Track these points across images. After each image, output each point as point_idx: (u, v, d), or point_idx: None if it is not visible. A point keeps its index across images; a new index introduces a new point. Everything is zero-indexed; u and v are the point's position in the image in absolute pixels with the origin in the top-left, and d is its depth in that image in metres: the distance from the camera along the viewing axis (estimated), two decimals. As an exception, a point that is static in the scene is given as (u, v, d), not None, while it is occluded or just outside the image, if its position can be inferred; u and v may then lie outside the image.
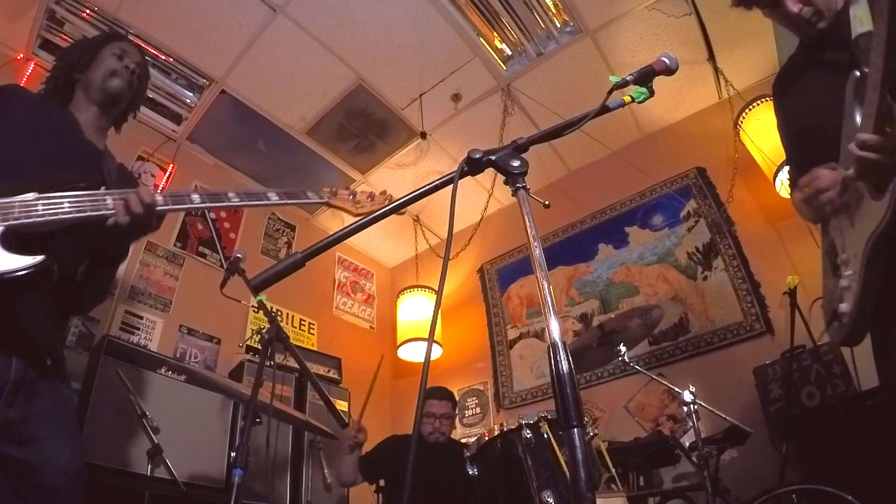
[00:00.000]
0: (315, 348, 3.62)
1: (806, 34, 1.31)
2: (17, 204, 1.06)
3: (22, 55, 2.84)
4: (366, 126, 3.57)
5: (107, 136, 1.52)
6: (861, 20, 1.12)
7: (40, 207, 1.07)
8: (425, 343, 3.64)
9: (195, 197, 1.28)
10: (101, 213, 1.13)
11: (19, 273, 1.00)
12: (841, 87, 1.10)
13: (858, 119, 1.01)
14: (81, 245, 1.26)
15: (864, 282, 1.04)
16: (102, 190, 1.19)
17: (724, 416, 2.08)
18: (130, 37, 2.79)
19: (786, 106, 1.42)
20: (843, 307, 1.12)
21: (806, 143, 1.35)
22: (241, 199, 1.33)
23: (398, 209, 0.97)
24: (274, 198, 1.37)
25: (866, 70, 0.96)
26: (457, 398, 3.69)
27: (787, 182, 1.51)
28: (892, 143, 0.94)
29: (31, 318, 1.12)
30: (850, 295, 1.09)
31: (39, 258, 1.02)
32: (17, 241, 1.03)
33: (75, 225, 1.12)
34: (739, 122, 2.93)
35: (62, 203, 1.09)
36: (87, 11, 2.78)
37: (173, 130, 3.41)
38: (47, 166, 1.21)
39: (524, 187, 0.89)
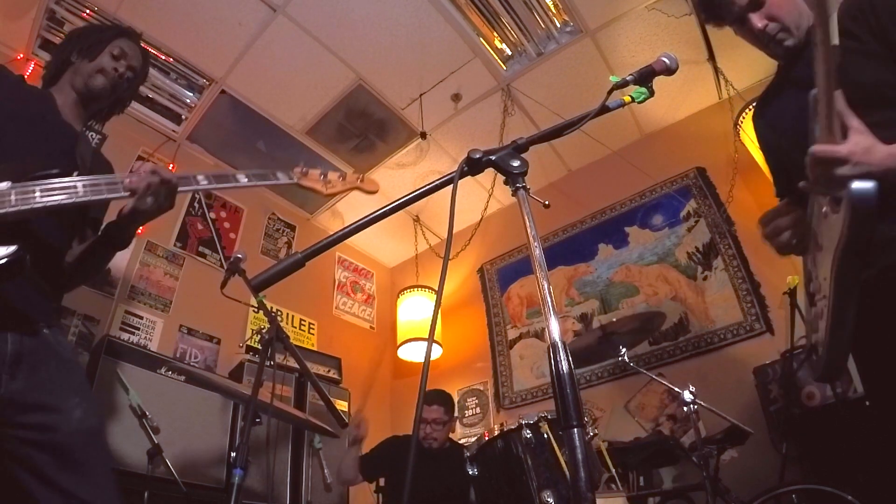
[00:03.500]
0: (315, 348, 3.62)
1: (773, 52, 1.26)
2: None
3: (22, 55, 2.84)
4: (366, 126, 3.57)
5: (84, 122, 1.52)
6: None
7: (13, 198, 1.08)
8: (425, 343, 3.64)
9: None
10: (73, 200, 1.15)
11: None
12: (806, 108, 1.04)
13: (817, 134, 0.96)
14: (65, 225, 1.28)
15: (834, 305, 0.95)
16: (74, 176, 1.20)
17: (724, 416, 2.08)
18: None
19: (763, 135, 1.37)
20: (816, 337, 1.03)
21: (783, 172, 1.30)
22: (210, 181, 1.34)
23: (398, 209, 0.97)
24: (243, 180, 1.38)
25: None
26: (456, 398, 3.70)
27: None
28: (843, 152, 0.88)
29: (19, 295, 1.13)
30: (823, 322, 0.99)
31: (12, 249, 1.04)
32: None
33: (53, 209, 1.14)
34: (739, 122, 2.92)
35: (34, 192, 1.10)
36: (87, 11, 2.78)
37: (173, 130, 3.41)
38: (21, 149, 1.22)
39: (524, 187, 0.89)
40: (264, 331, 1.81)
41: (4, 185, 1.09)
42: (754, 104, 1.41)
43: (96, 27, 1.58)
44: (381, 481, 2.94)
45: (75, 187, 1.16)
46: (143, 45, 1.60)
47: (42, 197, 1.11)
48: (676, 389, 2.06)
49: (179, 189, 1.28)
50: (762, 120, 1.36)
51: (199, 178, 1.32)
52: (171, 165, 3.36)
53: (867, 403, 1.82)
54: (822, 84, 0.85)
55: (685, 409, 1.99)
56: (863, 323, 0.96)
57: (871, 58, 1.07)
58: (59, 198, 1.13)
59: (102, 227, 1.36)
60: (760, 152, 1.43)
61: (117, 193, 1.21)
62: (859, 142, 0.88)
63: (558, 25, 3.04)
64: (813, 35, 0.83)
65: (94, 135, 1.55)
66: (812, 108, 0.97)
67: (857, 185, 0.84)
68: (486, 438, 1.97)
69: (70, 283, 1.39)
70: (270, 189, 3.96)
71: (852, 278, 0.92)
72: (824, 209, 0.97)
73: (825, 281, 0.97)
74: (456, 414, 3.05)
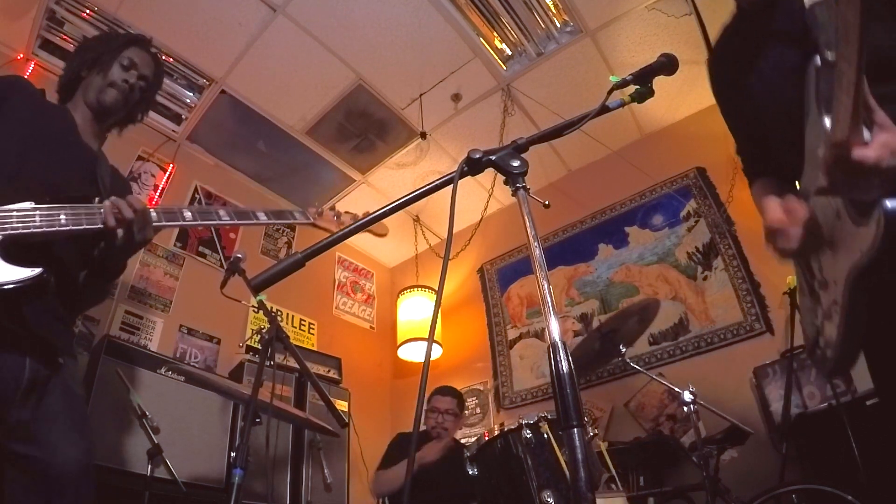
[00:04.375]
0: (315, 348, 3.62)
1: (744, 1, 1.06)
2: (14, 213, 1.08)
3: (22, 55, 2.84)
4: (366, 126, 3.57)
5: (102, 139, 1.52)
6: None
7: (38, 218, 1.09)
8: (425, 343, 3.64)
9: (187, 213, 1.34)
10: (98, 226, 1.16)
11: (15, 285, 1.03)
12: (798, 68, 0.88)
13: (828, 123, 0.80)
14: (83, 251, 1.28)
15: (848, 315, 0.88)
16: (97, 202, 1.21)
17: (724, 415, 2.08)
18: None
19: (728, 97, 1.19)
20: (824, 340, 0.98)
21: (759, 143, 1.16)
22: (231, 217, 1.39)
23: (398, 209, 0.97)
24: (262, 217, 1.43)
25: (829, 57, 0.75)
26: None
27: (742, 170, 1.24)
28: (872, 157, 0.72)
29: (41, 320, 1.14)
30: (832, 326, 0.93)
31: (37, 271, 1.05)
32: (16, 249, 1.06)
33: (76, 235, 1.15)
34: (739, 122, 2.92)
35: (59, 215, 1.11)
36: (87, 11, 2.78)
37: (173, 130, 3.41)
38: (44, 169, 1.22)
39: (524, 187, 0.89)
40: (264, 331, 1.81)
41: (28, 204, 1.09)
42: (713, 52, 1.19)
43: (104, 37, 1.57)
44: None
45: (101, 212, 1.17)
46: (153, 50, 1.59)
47: (67, 220, 1.12)
48: (676, 389, 2.06)
49: (207, 223, 1.32)
50: (729, 84, 1.17)
51: (221, 213, 1.37)
52: (171, 165, 3.36)
53: (867, 403, 1.83)
54: (849, 72, 0.69)
55: (685, 409, 1.99)
56: (876, 322, 0.90)
57: (875, 19, 0.90)
58: (84, 223, 1.14)
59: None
60: (722, 113, 1.24)
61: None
62: (888, 142, 0.74)
63: (558, 25, 3.04)
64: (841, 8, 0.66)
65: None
66: (814, 81, 0.84)
67: (892, 203, 0.74)
68: (486, 438, 1.97)
69: (81, 307, 1.41)
70: (270, 189, 3.96)
71: (867, 287, 0.85)
72: (838, 210, 0.87)
73: (836, 285, 0.90)
74: (465, 412, 3.04)
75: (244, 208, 1.46)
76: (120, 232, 1.18)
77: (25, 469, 1.07)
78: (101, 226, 1.15)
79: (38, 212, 1.09)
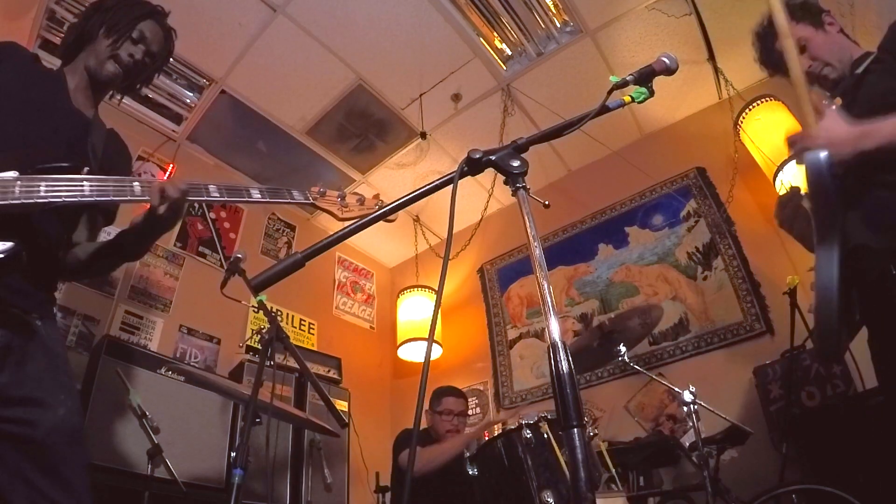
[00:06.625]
0: (315, 348, 3.62)
1: (823, 87, 1.44)
2: None
3: (22, 55, 2.84)
4: (366, 126, 3.57)
5: (97, 104, 1.47)
6: None
7: (17, 190, 1.05)
8: (425, 343, 3.64)
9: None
10: (77, 200, 1.12)
11: None
12: None
13: None
14: (64, 219, 1.26)
15: (818, 293, 1.05)
16: (85, 172, 1.16)
17: (724, 416, 2.08)
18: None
19: None
20: (812, 305, 1.15)
21: None
22: (221, 193, 1.30)
23: (398, 209, 0.97)
24: (256, 195, 1.32)
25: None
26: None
27: None
28: (806, 131, 1.16)
29: (13, 288, 1.11)
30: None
31: (8, 245, 1.02)
32: None
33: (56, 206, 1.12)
34: (739, 122, 2.93)
35: (39, 187, 1.08)
36: (87, 11, 2.78)
37: (173, 130, 3.41)
38: (31, 137, 1.20)
39: (524, 187, 0.89)
40: (264, 331, 1.81)
41: (11, 174, 1.07)
42: None
43: (126, 2, 1.49)
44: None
45: (82, 186, 1.13)
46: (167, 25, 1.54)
47: (46, 192, 1.08)
48: (676, 389, 2.05)
49: (195, 199, 1.26)
50: None
51: (211, 188, 1.28)
52: (171, 165, 3.36)
53: (866, 403, 1.83)
54: (797, 86, 1.17)
55: (685, 409, 1.99)
56: (873, 321, 1.05)
57: (889, 73, 1.27)
58: (63, 195, 1.10)
59: (118, 232, 1.33)
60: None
61: (123, 197, 1.19)
62: (823, 123, 1.13)
63: (558, 25, 3.04)
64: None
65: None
66: None
67: (809, 154, 1.12)
68: (486, 438, 1.97)
69: (73, 278, 1.38)
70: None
71: (831, 264, 1.06)
72: None
73: (812, 272, 1.13)
74: None
75: (236, 185, 1.38)
76: (163, 209, 1.18)
77: (12, 434, 1.04)
78: (78, 199, 1.12)
79: (18, 182, 1.06)
